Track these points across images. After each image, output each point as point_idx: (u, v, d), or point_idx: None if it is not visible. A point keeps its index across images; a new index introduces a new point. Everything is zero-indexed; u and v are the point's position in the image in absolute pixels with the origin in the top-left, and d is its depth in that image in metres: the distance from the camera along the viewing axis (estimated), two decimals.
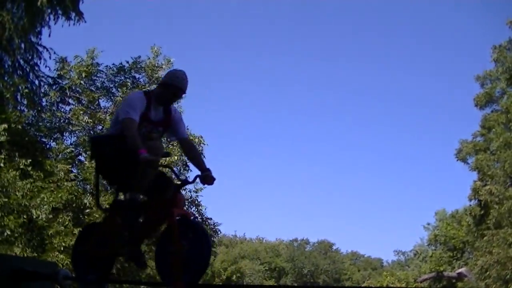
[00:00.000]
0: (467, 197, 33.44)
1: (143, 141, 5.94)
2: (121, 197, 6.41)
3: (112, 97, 23.63)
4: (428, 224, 47.48)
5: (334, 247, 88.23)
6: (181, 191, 6.25)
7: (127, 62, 23.92)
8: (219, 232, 28.32)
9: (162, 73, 24.58)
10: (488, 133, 32.80)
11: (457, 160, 35.26)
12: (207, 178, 6.29)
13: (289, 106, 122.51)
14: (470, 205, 34.34)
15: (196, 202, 24.49)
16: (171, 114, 6.49)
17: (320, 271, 79.81)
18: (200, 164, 6.45)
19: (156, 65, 24.63)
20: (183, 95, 6.54)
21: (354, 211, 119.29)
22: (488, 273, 28.63)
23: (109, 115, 22.52)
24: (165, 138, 6.90)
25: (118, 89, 23.54)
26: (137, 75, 24.29)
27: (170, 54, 28.67)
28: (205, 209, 25.16)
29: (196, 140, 23.70)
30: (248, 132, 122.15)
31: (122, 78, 23.88)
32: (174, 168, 21.92)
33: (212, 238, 26.28)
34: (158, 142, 6.44)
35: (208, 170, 6.33)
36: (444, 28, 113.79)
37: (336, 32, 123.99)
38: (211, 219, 25.53)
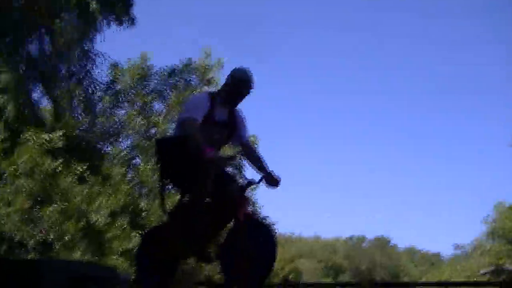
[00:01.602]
0: None
1: (207, 141, 5.88)
2: (185, 199, 6.31)
3: (164, 100, 23.81)
4: (487, 217, 46.85)
5: (391, 243, 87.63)
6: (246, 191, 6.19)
7: (179, 64, 24.04)
8: (275, 231, 28.00)
9: (213, 74, 24.72)
10: None
11: None
12: (272, 180, 6.26)
13: (343, 101, 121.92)
14: None
15: (252, 200, 24.40)
16: (236, 116, 6.39)
17: (378, 267, 79.25)
18: (262, 167, 6.38)
19: (207, 66, 24.68)
20: (250, 92, 6.31)
21: (411, 205, 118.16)
22: None
23: (162, 118, 22.71)
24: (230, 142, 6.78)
25: (171, 91, 23.70)
26: (188, 77, 24.35)
27: (221, 55, 28.65)
28: (261, 207, 25.05)
29: (251, 139, 23.75)
30: (301, 129, 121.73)
31: (174, 80, 24.01)
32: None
33: None
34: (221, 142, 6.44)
35: (272, 172, 6.30)
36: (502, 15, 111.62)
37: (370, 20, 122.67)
38: (267, 217, 25.35)
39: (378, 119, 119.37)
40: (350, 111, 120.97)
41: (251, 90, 6.28)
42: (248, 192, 6.29)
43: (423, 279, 57.78)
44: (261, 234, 5.85)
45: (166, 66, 23.91)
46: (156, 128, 22.65)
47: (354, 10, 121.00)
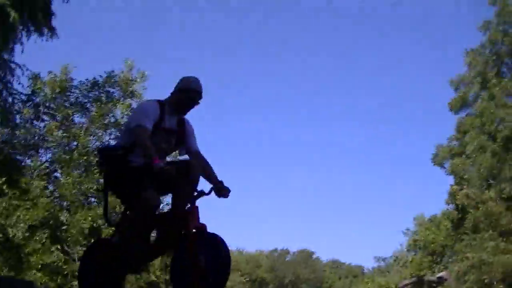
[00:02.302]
0: (445, 202, 33.85)
1: (157, 150, 5.71)
2: (130, 212, 6.09)
3: (86, 113, 23.55)
4: (407, 229, 47.72)
5: (314, 256, 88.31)
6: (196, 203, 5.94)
7: (101, 76, 23.77)
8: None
9: (136, 87, 24.59)
10: (464, 137, 33.01)
11: (434, 164, 35.57)
12: (222, 190, 6.11)
13: (271, 112, 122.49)
14: (448, 210, 34.66)
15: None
16: (185, 125, 6.29)
17: (301, 280, 79.78)
18: (212, 177, 6.22)
19: (130, 79, 24.51)
20: (200, 100, 6.22)
21: (333, 218, 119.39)
22: (466, 277, 28.78)
23: (84, 131, 22.47)
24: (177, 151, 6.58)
25: (93, 104, 23.46)
26: (111, 90, 24.12)
27: (144, 67, 28.39)
28: None
29: None
30: (222, 138, 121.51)
31: (96, 93, 23.74)
32: None
33: None
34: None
35: (222, 182, 6.17)
36: (418, 32, 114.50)
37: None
38: None
39: (300, 130, 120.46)
40: (277, 120, 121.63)
41: (201, 95, 6.20)
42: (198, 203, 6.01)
43: None
44: (213, 247, 5.68)
45: (88, 79, 23.63)
46: (77, 141, 22.35)
47: None
